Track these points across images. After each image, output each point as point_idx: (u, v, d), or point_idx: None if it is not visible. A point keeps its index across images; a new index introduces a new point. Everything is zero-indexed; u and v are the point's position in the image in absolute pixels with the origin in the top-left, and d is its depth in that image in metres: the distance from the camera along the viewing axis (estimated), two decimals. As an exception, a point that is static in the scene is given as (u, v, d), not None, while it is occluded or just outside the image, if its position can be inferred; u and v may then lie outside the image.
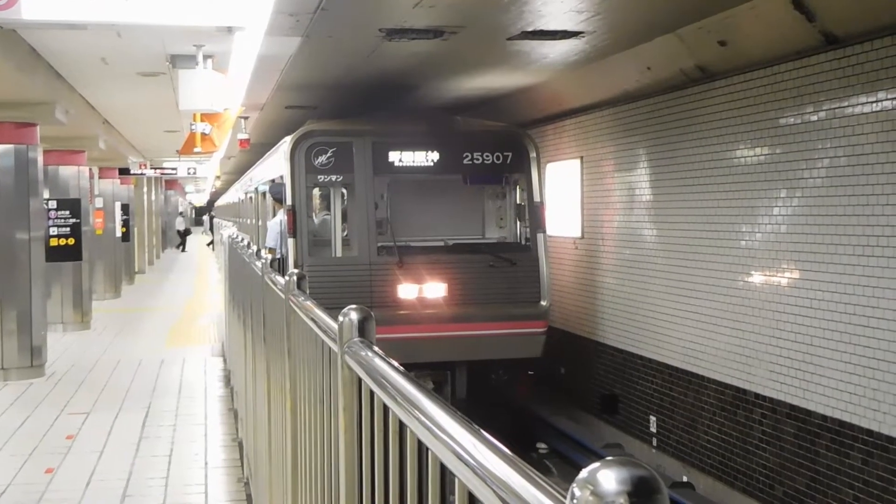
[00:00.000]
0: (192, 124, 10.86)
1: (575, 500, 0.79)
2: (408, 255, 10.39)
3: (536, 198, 10.86)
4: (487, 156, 10.85)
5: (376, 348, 1.88)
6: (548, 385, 12.15)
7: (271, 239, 11.14)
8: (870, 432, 6.67)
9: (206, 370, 10.82)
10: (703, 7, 7.72)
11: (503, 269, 10.54)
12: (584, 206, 11.75)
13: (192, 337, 13.74)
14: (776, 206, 7.74)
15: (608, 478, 0.78)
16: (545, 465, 10.61)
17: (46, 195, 13.31)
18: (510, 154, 10.90)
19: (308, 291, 3.10)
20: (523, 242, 10.97)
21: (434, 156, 10.77)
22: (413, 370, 1.60)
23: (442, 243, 10.90)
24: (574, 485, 0.81)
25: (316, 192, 11.02)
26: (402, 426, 1.56)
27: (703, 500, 8.70)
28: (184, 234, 44.73)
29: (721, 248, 8.54)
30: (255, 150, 19.77)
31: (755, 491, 8.09)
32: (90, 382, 10.22)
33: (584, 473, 0.80)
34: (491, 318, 10.32)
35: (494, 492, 1.00)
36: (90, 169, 16.51)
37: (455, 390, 10.49)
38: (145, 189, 29.25)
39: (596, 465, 0.81)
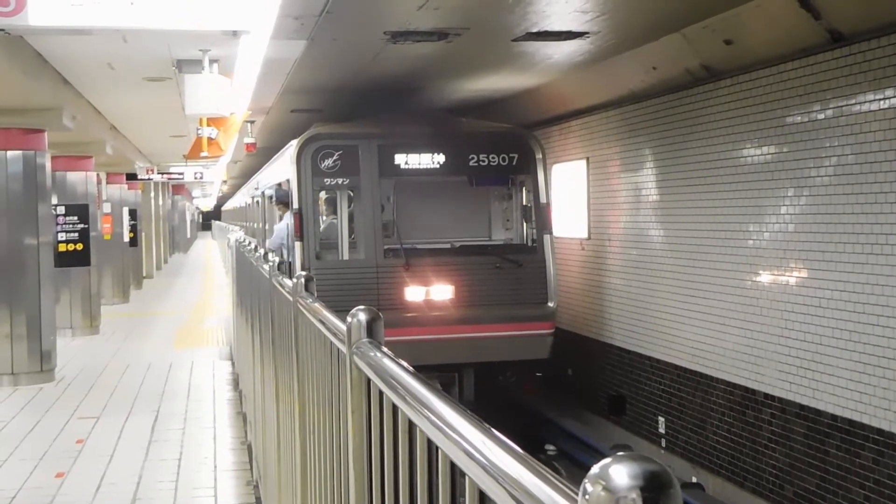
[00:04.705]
0: (198, 129, 10.88)
1: (587, 497, 0.79)
2: (414, 258, 10.38)
3: (543, 199, 10.85)
4: (493, 157, 10.84)
5: (385, 349, 1.88)
6: (555, 386, 12.13)
7: (275, 243, 11.18)
8: (880, 431, 6.64)
9: (214, 373, 10.82)
10: (708, 6, 7.71)
11: (510, 270, 10.53)
12: (590, 206, 11.73)
13: (201, 340, 13.75)
14: (784, 206, 7.72)
15: (620, 473, 0.78)
16: (554, 466, 10.59)
17: (55, 201, 13.32)
18: (516, 155, 10.89)
19: (316, 294, 3.10)
20: (530, 244, 10.96)
21: (440, 158, 10.76)
22: (421, 372, 1.59)
23: (448, 245, 10.89)
24: (586, 480, 0.80)
25: (322, 195, 11.03)
26: (411, 426, 1.56)
27: (713, 500, 8.68)
28: None
29: (728, 247, 8.52)
30: (261, 154, 19.80)
31: (765, 491, 8.06)
32: (99, 386, 10.24)
33: (595, 469, 0.80)
34: (498, 319, 10.31)
35: (506, 490, 1.00)
36: (98, 174, 16.55)
37: (463, 392, 10.48)
38: (153, 194, 29.28)
39: (607, 460, 0.80)
